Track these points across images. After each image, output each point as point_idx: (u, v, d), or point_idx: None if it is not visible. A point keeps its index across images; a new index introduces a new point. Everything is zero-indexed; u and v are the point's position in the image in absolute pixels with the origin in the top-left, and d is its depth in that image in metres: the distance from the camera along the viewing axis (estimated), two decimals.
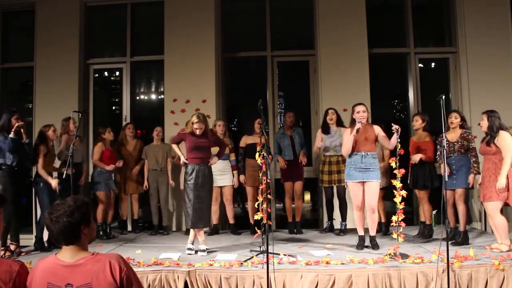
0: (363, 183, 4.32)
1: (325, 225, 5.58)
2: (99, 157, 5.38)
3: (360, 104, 4.46)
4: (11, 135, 4.39)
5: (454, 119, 4.66)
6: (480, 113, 4.30)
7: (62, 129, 5.23)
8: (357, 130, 4.26)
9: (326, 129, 5.40)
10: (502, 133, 4.04)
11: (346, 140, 4.41)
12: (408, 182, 4.91)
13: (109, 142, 5.52)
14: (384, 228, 5.16)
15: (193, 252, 4.29)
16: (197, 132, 4.29)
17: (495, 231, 4.13)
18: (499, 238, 4.05)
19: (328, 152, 5.39)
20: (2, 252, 4.39)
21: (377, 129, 4.40)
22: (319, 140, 5.42)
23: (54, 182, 4.65)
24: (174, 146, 4.55)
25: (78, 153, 5.28)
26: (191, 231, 4.37)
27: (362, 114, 4.34)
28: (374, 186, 4.29)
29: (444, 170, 3.47)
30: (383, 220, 5.16)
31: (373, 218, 4.33)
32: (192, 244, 4.34)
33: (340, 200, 5.42)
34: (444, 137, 3.59)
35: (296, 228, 5.49)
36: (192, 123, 4.29)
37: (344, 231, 5.34)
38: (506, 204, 4.13)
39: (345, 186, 4.95)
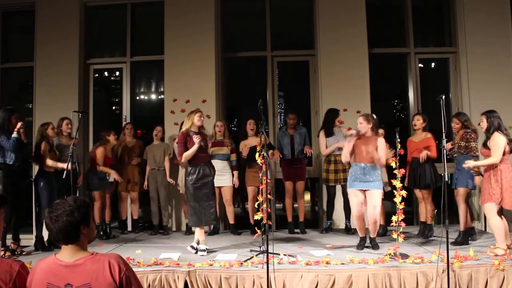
0: (364, 191, 4.29)
1: (325, 225, 5.56)
2: (103, 162, 5.36)
3: (361, 115, 4.46)
4: (14, 134, 4.40)
5: (455, 124, 4.67)
6: (480, 113, 4.29)
7: (57, 129, 5.23)
8: (351, 135, 4.32)
9: (330, 131, 5.35)
10: (495, 135, 3.99)
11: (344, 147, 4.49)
12: (406, 183, 4.90)
13: (111, 146, 5.50)
14: (382, 230, 5.08)
15: (194, 251, 4.29)
16: (200, 122, 4.36)
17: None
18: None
19: (334, 152, 5.38)
20: (2, 252, 4.40)
21: (380, 142, 4.28)
22: (324, 144, 5.37)
23: (63, 165, 4.58)
24: (186, 154, 4.27)
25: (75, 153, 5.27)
26: (198, 230, 4.34)
27: (360, 122, 4.32)
28: (375, 195, 4.22)
29: (444, 169, 3.46)
30: (381, 222, 5.06)
31: (374, 227, 4.28)
32: (198, 244, 4.34)
33: (345, 198, 5.41)
34: (444, 137, 3.59)
35: (299, 228, 5.49)
36: (195, 114, 4.36)
37: (349, 230, 5.38)
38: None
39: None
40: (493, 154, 3.97)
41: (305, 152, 5.39)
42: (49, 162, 4.73)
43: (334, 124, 5.38)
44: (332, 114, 5.42)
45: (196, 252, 4.27)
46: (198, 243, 4.35)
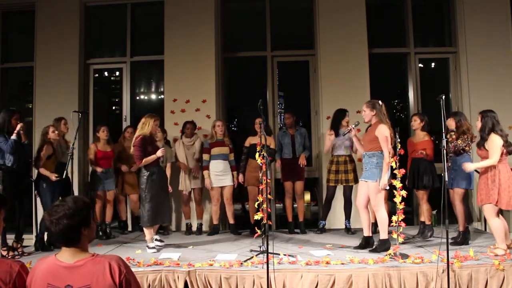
0: (366, 182, 4.27)
1: (321, 225, 5.50)
2: (93, 159, 5.39)
3: (365, 102, 4.41)
4: (13, 136, 4.38)
5: (452, 124, 4.66)
6: None
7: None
8: (349, 131, 4.44)
9: (336, 131, 5.27)
10: (492, 136, 3.96)
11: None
12: (407, 183, 4.90)
13: (104, 142, 5.48)
14: (373, 228, 4.91)
15: (154, 249, 4.43)
16: (155, 130, 4.59)
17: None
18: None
19: (336, 152, 5.39)
20: (5, 252, 4.40)
21: (378, 129, 4.15)
22: (329, 141, 5.34)
23: (53, 176, 4.66)
24: (147, 160, 4.45)
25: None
26: (147, 230, 4.51)
27: (364, 109, 4.30)
28: (369, 186, 4.18)
29: (444, 169, 3.46)
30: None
31: (377, 219, 4.22)
32: (153, 241, 4.53)
33: (345, 199, 5.44)
34: (444, 137, 3.59)
35: (299, 228, 5.50)
36: (154, 121, 4.55)
37: (348, 230, 5.38)
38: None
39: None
40: (491, 156, 3.94)
41: (299, 163, 5.40)
42: (42, 171, 4.69)
43: (341, 124, 5.35)
44: (339, 115, 5.36)
45: (159, 250, 4.44)
46: (159, 241, 4.60)
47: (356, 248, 4.36)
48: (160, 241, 4.65)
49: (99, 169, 5.33)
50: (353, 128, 4.39)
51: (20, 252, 4.49)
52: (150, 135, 4.56)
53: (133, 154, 4.60)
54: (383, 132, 4.08)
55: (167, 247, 4.64)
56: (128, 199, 5.84)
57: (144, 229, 4.54)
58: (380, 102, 4.25)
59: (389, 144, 4.08)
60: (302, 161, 5.41)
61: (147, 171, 4.49)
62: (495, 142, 3.93)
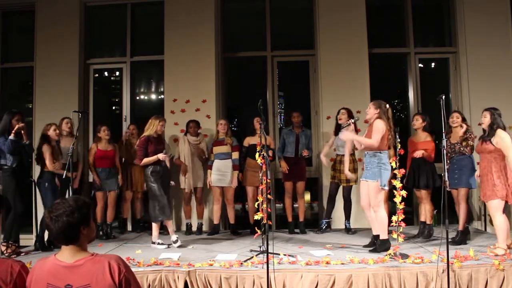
0: (367, 182, 4.26)
1: (322, 225, 5.50)
2: (93, 160, 5.40)
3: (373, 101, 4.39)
4: (11, 136, 4.39)
5: (456, 118, 4.67)
6: (480, 113, 4.28)
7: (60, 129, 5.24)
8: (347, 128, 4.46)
9: (337, 131, 5.29)
10: (501, 133, 3.99)
11: None
12: (404, 182, 4.88)
13: (105, 141, 5.48)
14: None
15: (165, 245, 4.57)
16: (161, 131, 4.82)
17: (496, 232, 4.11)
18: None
19: (337, 151, 5.47)
20: (8, 250, 4.40)
21: (375, 124, 4.13)
22: (327, 147, 5.49)
23: (60, 171, 4.66)
24: (147, 160, 4.61)
25: (75, 153, 5.25)
26: (156, 226, 4.68)
27: (369, 107, 4.27)
28: (368, 185, 4.17)
29: (444, 169, 3.46)
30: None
31: (377, 218, 4.20)
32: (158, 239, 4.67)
33: (344, 199, 5.46)
34: (444, 137, 3.59)
35: (299, 228, 5.50)
36: (159, 122, 4.73)
37: (348, 230, 5.38)
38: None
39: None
40: (508, 152, 3.90)
41: (301, 153, 5.41)
42: (50, 167, 4.71)
43: (338, 124, 5.37)
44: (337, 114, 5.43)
45: (169, 246, 4.57)
46: (175, 240, 4.67)
47: (365, 246, 4.39)
48: (162, 244, 4.66)
49: (96, 179, 5.36)
50: (352, 122, 4.42)
51: (16, 253, 4.48)
52: (157, 136, 4.73)
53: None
54: (378, 125, 4.10)
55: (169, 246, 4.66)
56: (134, 198, 5.82)
57: (153, 224, 4.67)
58: (387, 105, 4.24)
59: (380, 136, 4.04)
60: (305, 153, 5.38)
61: (151, 168, 4.62)
62: (504, 139, 3.95)
